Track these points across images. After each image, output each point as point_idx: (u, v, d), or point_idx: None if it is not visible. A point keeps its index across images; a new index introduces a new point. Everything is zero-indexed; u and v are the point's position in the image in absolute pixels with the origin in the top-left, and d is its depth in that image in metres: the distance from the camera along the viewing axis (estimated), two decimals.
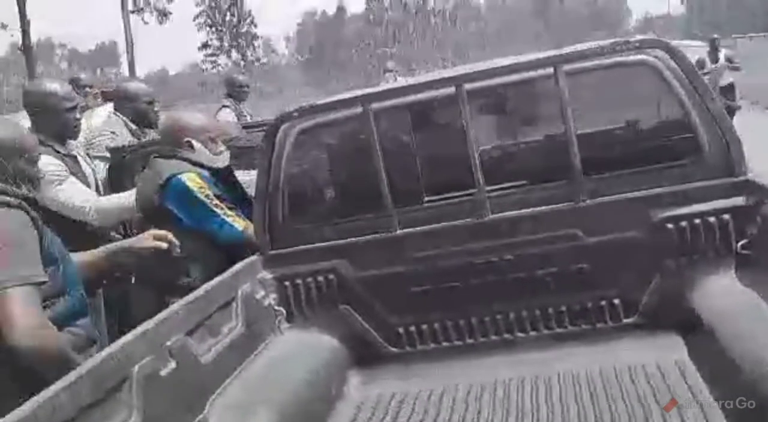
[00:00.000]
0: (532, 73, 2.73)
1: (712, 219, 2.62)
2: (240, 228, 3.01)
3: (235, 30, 43.16)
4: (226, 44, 43.64)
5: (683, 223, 2.64)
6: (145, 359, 2.02)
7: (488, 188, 2.77)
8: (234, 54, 43.54)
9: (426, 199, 2.88)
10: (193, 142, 3.05)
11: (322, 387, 2.68)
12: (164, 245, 2.60)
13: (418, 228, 2.85)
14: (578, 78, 2.68)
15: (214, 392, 2.32)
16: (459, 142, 2.81)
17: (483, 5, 45.29)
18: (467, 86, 2.70)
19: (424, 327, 2.88)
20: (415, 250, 2.85)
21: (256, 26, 44.43)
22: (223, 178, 3.10)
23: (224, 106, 6.14)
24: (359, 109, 2.83)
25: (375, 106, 2.80)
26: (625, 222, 2.69)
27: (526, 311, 2.80)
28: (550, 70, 2.65)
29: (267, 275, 2.91)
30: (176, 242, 2.64)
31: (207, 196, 2.98)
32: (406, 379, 2.78)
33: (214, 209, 2.99)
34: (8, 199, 2.16)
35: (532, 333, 2.80)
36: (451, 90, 2.74)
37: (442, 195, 2.87)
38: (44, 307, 2.10)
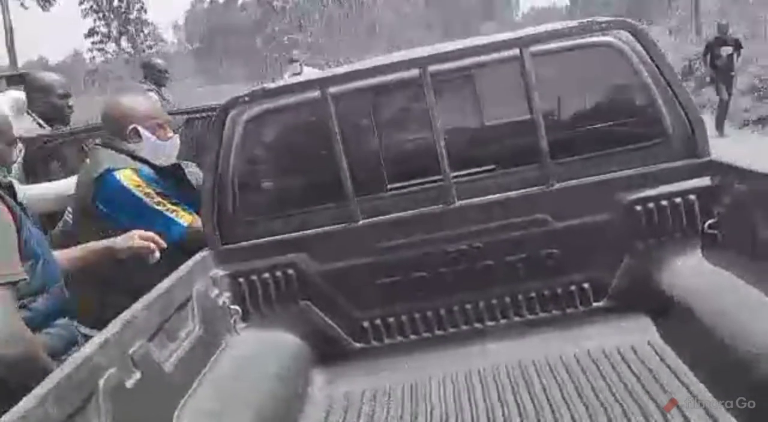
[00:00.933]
0: (497, 55, 2.65)
1: (678, 199, 2.62)
2: (185, 224, 2.78)
3: (123, 16, 41.08)
4: (114, 31, 41.49)
5: (650, 205, 2.64)
6: (110, 371, 1.80)
7: (455, 174, 2.68)
8: (123, 42, 41.50)
9: (389, 186, 2.74)
10: (140, 129, 2.78)
11: (287, 389, 2.50)
12: (152, 246, 2.37)
13: (382, 218, 2.72)
14: (545, 59, 2.62)
15: (182, 399, 2.11)
16: (423, 127, 2.71)
17: None
18: (431, 68, 2.60)
19: (391, 320, 2.75)
20: (380, 240, 2.72)
21: (146, 12, 42.56)
22: (169, 172, 2.84)
23: (148, 90, 5.74)
24: (316, 93, 2.66)
25: (333, 89, 2.64)
26: (594, 205, 2.66)
27: (496, 299, 2.72)
28: (516, 51, 2.58)
29: (219, 272, 2.70)
30: (163, 244, 2.42)
31: (146, 193, 2.73)
32: (375, 374, 2.65)
33: (155, 207, 2.74)
34: None
35: (503, 321, 2.73)
36: (415, 72, 2.63)
37: (406, 182, 2.74)
38: (21, 307, 1.85)
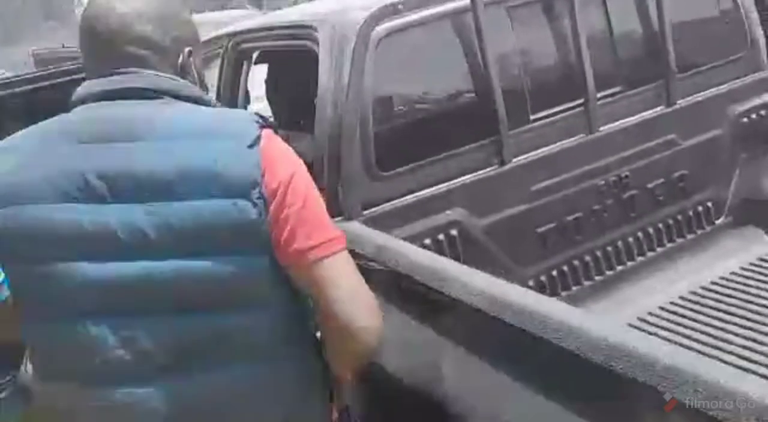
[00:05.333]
0: None
1: None
2: None
3: None
4: None
5: (753, 116, 2.66)
6: None
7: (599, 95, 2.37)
8: None
9: (532, 117, 2.30)
10: None
11: None
12: None
13: (533, 155, 2.28)
14: None
15: None
16: (565, 44, 2.34)
17: None
18: None
19: (554, 273, 2.34)
20: (533, 182, 2.29)
21: None
22: None
23: None
24: (460, 3, 2.11)
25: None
26: (710, 120, 2.60)
27: (641, 231, 2.50)
28: None
29: None
30: None
31: None
32: None
33: None
34: None
35: (650, 254, 2.52)
36: None
37: (548, 111, 2.32)
38: None
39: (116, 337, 1.09)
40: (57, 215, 1.07)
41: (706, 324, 2.18)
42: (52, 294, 1.09)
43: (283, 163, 1.15)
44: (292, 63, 3.09)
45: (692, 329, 2.17)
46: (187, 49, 1.23)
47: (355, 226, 1.92)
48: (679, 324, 2.23)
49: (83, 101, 1.16)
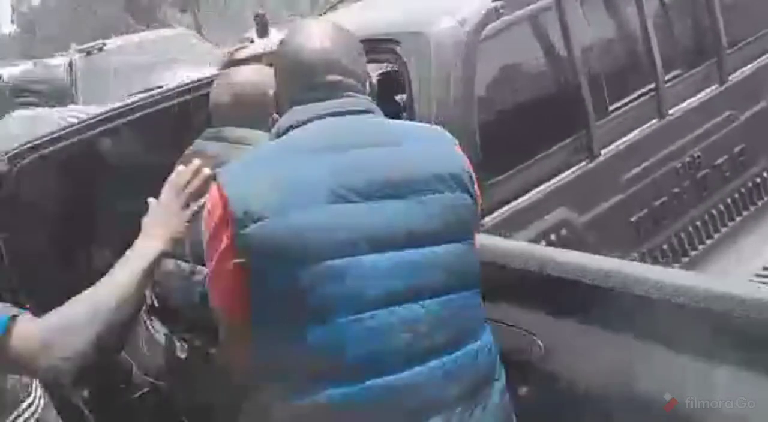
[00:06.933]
0: None
1: None
2: None
3: None
4: None
5: None
6: None
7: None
8: None
9: (610, 108, 2.28)
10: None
11: None
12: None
13: (617, 144, 2.27)
14: None
15: None
16: (634, 31, 2.33)
17: None
18: None
19: (648, 260, 2.33)
20: (622, 172, 2.27)
21: None
22: None
23: None
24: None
25: None
26: (758, 92, 2.65)
27: (715, 209, 2.53)
28: None
29: None
30: None
31: None
32: None
33: None
34: None
35: (723, 229, 2.54)
36: None
37: (624, 100, 2.31)
38: None
39: (402, 323, 1.21)
40: (331, 215, 1.20)
41: None
42: (339, 292, 1.18)
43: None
44: None
45: None
46: (375, 80, 1.52)
47: (488, 239, 1.84)
48: None
49: (309, 121, 1.31)
